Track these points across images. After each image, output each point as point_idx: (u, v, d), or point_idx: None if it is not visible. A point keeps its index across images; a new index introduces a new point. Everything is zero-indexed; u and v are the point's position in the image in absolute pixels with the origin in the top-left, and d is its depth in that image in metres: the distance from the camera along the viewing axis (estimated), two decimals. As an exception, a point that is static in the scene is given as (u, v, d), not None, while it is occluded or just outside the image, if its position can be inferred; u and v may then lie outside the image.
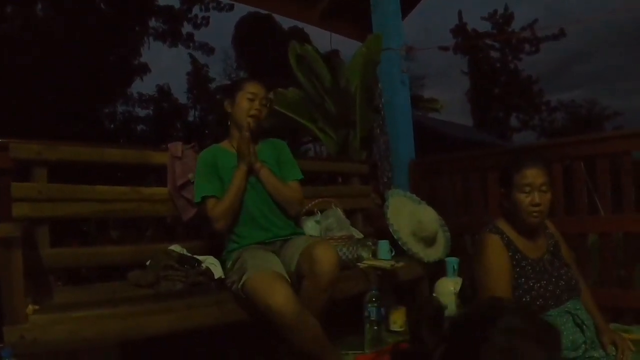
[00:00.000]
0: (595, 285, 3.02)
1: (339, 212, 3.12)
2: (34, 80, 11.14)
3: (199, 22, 15.69)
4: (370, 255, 3.14)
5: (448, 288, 3.16)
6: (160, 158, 2.90)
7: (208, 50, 17.57)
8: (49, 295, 2.25)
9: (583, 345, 2.07)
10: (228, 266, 2.46)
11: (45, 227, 2.45)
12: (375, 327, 2.74)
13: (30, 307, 1.89)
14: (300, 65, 5.34)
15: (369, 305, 2.73)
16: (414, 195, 3.75)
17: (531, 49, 28.76)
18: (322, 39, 6.51)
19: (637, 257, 3.09)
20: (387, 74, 4.60)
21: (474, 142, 19.96)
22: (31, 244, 2.30)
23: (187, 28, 16.03)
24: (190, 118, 21.56)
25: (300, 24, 13.12)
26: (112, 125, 17.02)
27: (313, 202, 3.25)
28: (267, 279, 2.13)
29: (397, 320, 3.12)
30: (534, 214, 2.14)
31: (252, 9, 14.72)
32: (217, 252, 2.69)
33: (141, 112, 19.02)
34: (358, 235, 3.34)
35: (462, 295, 2.43)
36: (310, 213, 3.19)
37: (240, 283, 2.19)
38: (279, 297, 2.05)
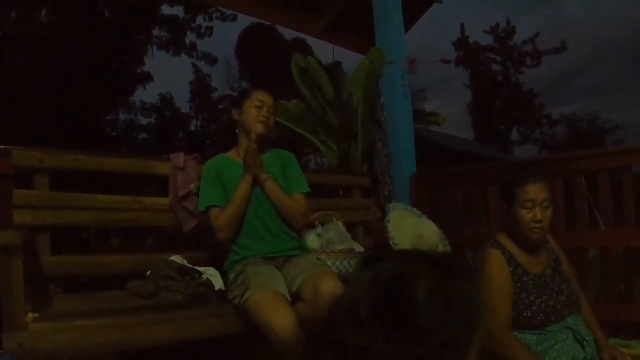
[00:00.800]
0: (595, 300, 3.02)
1: (340, 225, 3.12)
2: (36, 86, 11.16)
3: (202, 31, 15.70)
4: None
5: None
6: (162, 168, 2.90)
7: (211, 60, 17.60)
8: (48, 303, 2.24)
9: (583, 361, 2.06)
10: (230, 278, 2.45)
11: (46, 234, 2.45)
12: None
13: (30, 315, 1.89)
14: (303, 78, 5.35)
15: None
16: (415, 209, 3.74)
17: (533, 63, 28.79)
18: (325, 49, 6.55)
19: (637, 271, 3.08)
20: (389, 87, 4.61)
21: (475, 155, 20.01)
22: (32, 252, 2.29)
23: (190, 37, 16.08)
24: (192, 127, 21.61)
25: (303, 36, 13.16)
26: (114, 133, 17.03)
27: (314, 215, 3.23)
28: (270, 299, 2.13)
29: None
30: (536, 230, 2.14)
31: (255, 19, 14.79)
32: (217, 263, 2.69)
33: (143, 121, 19.08)
34: (359, 248, 3.33)
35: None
36: (311, 226, 3.17)
37: (243, 299, 2.19)
38: (281, 319, 2.04)
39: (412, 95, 4.88)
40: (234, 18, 15.00)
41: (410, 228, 3.43)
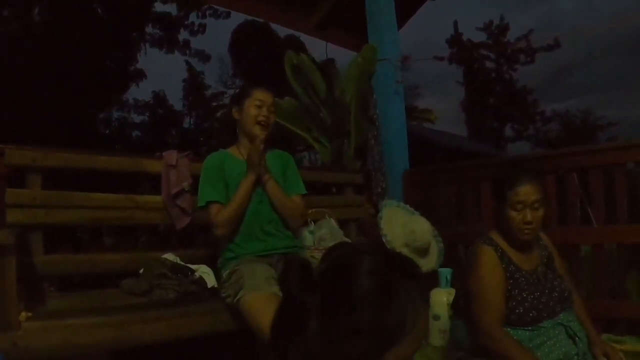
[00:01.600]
0: (588, 296, 3.03)
1: (333, 222, 3.13)
2: (29, 84, 11.11)
3: (195, 29, 15.71)
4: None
5: (441, 299, 3.14)
6: (155, 166, 2.89)
7: (204, 57, 17.64)
8: (42, 302, 2.25)
9: (575, 357, 2.07)
10: (224, 276, 2.45)
11: (39, 233, 2.45)
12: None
13: (23, 314, 1.89)
14: (296, 75, 5.34)
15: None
16: (408, 206, 3.75)
17: (526, 59, 28.85)
18: (318, 46, 6.53)
19: (629, 267, 3.10)
20: (382, 84, 4.62)
21: (469, 152, 20.01)
22: (25, 251, 2.29)
23: (183, 35, 16.07)
24: (186, 125, 21.59)
25: (296, 33, 13.14)
26: (107, 131, 17.02)
27: (307, 212, 3.25)
28: (263, 302, 2.13)
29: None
30: (525, 231, 2.14)
31: (248, 16, 14.76)
32: (210, 261, 2.69)
33: (137, 118, 19.10)
34: (352, 245, 3.34)
35: (455, 306, 2.43)
36: (303, 223, 3.19)
37: (236, 299, 2.19)
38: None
39: (405, 92, 4.89)
40: (227, 15, 15.00)
41: (403, 225, 3.44)
